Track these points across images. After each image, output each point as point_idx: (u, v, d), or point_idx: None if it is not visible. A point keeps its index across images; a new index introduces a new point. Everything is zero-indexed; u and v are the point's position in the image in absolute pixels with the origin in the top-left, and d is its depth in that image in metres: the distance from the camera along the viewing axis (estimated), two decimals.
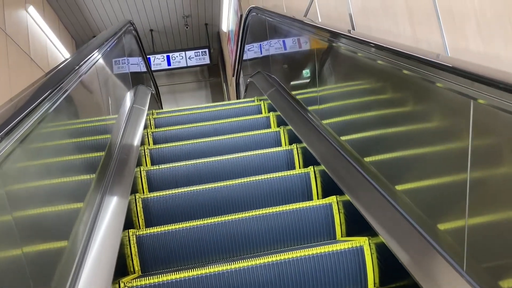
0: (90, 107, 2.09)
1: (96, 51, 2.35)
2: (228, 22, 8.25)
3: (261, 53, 4.02)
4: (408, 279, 1.16)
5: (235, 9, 6.74)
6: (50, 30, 7.49)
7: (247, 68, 5.09)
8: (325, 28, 1.96)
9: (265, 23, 3.56)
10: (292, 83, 2.85)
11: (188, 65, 9.70)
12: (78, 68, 1.85)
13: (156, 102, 4.82)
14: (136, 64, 4.17)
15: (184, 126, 3.02)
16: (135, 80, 3.83)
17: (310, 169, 2.04)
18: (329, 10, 2.57)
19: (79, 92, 1.88)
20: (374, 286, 1.44)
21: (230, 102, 3.89)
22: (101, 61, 2.46)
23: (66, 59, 2.00)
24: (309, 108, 2.38)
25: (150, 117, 3.37)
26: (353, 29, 2.20)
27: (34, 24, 6.86)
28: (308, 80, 2.44)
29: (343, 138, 1.84)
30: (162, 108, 5.27)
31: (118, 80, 3.09)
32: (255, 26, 4.20)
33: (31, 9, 6.67)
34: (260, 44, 4.03)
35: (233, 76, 8.74)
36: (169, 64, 9.58)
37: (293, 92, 2.72)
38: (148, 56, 9.61)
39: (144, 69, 4.68)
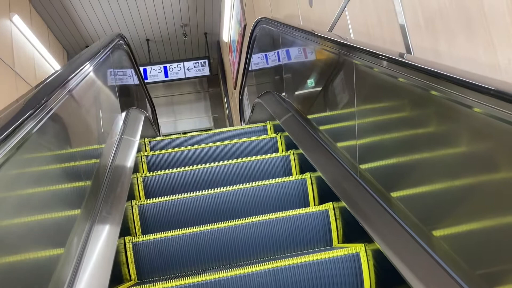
0: (62, 154, 1.55)
1: (73, 74, 1.81)
2: (229, 31, 7.72)
3: (272, 71, 3.48)
4: (405, 286, 1.15)
5: (238, 19, 6.22)
6: (38, 40, 6.95)
7: (252, 85, 4.55)
8: (377, 52, 1.42)
9: (278, 37, 3.03)
10: (317, 113, 2.30)
11: (187, 76, 9.16)
12: (45, 104, 1.34)
13: (152, 125, 4.27)
14: (127, 83, 3.62)
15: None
16: (125, 103, 3.29)
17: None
18: (366, 24, 2.03)
19: (48, 130, 1.39)
20: None
21: (239, 129, 3.33)
22: (80, 86, 1.93)
23: (36, 88, 1.49)
24: (340, 144, 1.84)
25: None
26: (409, 51, 1.65)
27: (19, 35, 6.32)
28: (342, 115, 1.89)
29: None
30: (159, 133, 4.70)
31: (103, 107, 2.54)
32: (264, 39, 3.67)
33: (16, 18, 6.13)
34: (271, 60, 3.50)
35: (234, 89, 8.21)
36: (166, 75, 9.03)
37: (322, 128, 2.17)
38: (143, 68, 9.09)
39: (137, 87, 4.14)
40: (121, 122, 2.85)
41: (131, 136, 2.84)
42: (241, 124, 5.79)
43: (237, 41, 6.80)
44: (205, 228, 1.74)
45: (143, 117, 3.54)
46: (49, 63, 7.49)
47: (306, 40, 2.36)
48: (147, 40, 9.23)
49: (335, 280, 1.46)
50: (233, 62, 7.73)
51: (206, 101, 11.77)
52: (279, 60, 3.14)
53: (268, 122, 3.35)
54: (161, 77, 9.01)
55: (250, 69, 4.54)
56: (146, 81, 9.07)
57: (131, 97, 3.68)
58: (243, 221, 1.77)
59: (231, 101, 9.42)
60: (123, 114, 3.04)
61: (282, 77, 3.07)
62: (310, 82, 2.46)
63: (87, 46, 8.06)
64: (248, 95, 5.00)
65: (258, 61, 4.11)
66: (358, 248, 1.47)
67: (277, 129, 3.16)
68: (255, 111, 4.17)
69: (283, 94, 3.07)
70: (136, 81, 4.13)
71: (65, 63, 8.61)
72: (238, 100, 5.68)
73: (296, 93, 2.78)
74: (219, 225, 1.76)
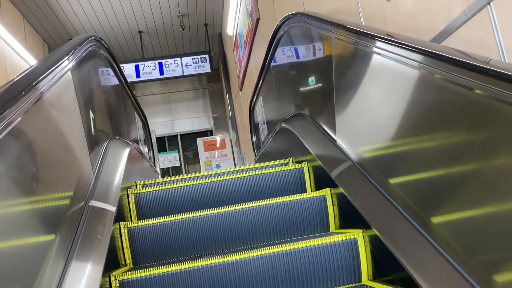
0: None
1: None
2: (235, 24, 6.63)
3: (312, 91, 2.45)
4: (402, 272, 1.17)
5: (249, 10, 5.14)
6: (9, 33, 5.86)
7: (272, 99, 3.52)
8: None
9: (330, 44, 2.00)
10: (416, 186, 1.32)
11: (185, 74, 8.08)
12: None
13: (143, 158, 3.22)
14: (105, 103, 2.58)
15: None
16: (101, 135, 2.26)
17: None
18: None
19: None
20: (368, 278, 1.50)
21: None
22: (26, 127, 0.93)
23: None
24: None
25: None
26: None
27: None
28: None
29: None
30: (154, 163, 3.66)
31: (52, 159, 1.51)
32: (298, 42, 2.63)
33: None
34: (310, 74, 2.46)
35: (240, 90, 7.15)
36: (161, 73, 7.95)
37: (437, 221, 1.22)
38: (135, 64, 7.99)
39: (121, 104, 3.09)
40: (90, 174, 1.82)
41: (105, 200, 1.80)
42: (254, 153, 4.74)
43: (245, 36, 5.73)
44: (204, 213, 1.80)
45: (127, 152, 2.50)
46: (23, 59, 6.41)
47: (402, 58, 1.33)
48: (140, 32, 8.12)
49: (333, 265, 1.50)
50: (239, 59, 6.66)
51: (205, 99, 10.70)
52: (327, 79, 2.11)
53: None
54: (156, 74, 7.93)
55: (269, 77, 3.50)
56: (138, 79, 8.00)
57: (112, 122, 2.64)
58: (244, 206, 1.85)
59: (235, 102, 8.35)
60: (96, 154, 2.01)
61: (333, 105, 2.04)
62: (400, 127, 1.43)
63: (71, 39, 6.98)
64: (264, 108, 3.96)
65: (283, 69, 3.06)
66: (356, 234, 1.52)
67: (319, 176, 2.16)
68: (277, 137, 3.14)
69: (332, 129, 2.04)
70: (121, 95, 3.09)
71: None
72: (249, 110, 4.63)
73: (365, 137, 1.75)
74: (219, 210, 1.85)
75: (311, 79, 2.44)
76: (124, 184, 2.26)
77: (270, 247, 1.49)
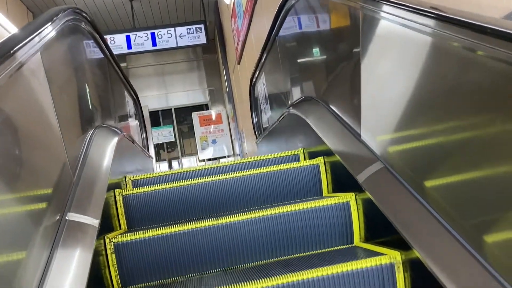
0: None
1: None
2: None
3: (330, 72, 2.09)
4: (394, 234, 1.19)
5: None
6: None
7: (277, 77, 3.16)
8: None
9: (359, 12, 1.64)
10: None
11: (179, 45, 7.65)
12: None
13: (134, 145, 2.88)
14: (91, 87, 2.22)
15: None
16: (83, 123, 1.92)
17: None
18: None
19: None
20: (360, 239, 1.55)
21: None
22: None
23: None
24: None
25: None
26: None
27: None
28: None
29: None
30: (148, 149, 3.28)
31: (23, 157, 1.18)
32: (315, 12, 2.26)
33: None
34: (327, 53, 2.11)
35: (238, 63, 6.75)
36: (154, 44, 7.50)
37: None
38: (126, 34, 7.53)
39: (110, 84, 2.72)
40: (67, 177, 1.48)
41: (85, 212, 1.47)
42: (255, 133, 4.38)
43: (244, 6, 5.30)
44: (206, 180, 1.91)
45: (115, 143, 2.15)
46: (3, 27, 5.94)
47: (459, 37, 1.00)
48: (131, 0, 7.62)
49: (326, 227, 1.56)
50: (238, 31, 6.23)
51: (200, 71, 10.26)
52: (352, 58, 1.76)
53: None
54: (148, 46, 7.49)
55: (275, 52, 3.13)
56: (129, 50, 7.55)
57: (96, 107, 2.28)
58: (241, 174, 1.95)
59: (233, 75, 7.95)
60: (76, 151, 1.68)
61: (359, 91, 1.69)
62: (448, 123, 1.11)
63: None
64: (267, 87, 3.60)
65: (293, 44, 2.70)
66: (349, 197, 1.57)
67: (338, 174, 1.84)
68: (284, 123, 2.81)
69: (356, 121, 1.71)
70: (108, 74, 2.72)
71: None
72: (250, 88, 4.27)
73: (405, 133, 1.42)
74: (221, 177, 1.96)
75: (330, 57, 2.08)
76: (112, 180, 1.94)
77: (264, 209, 1.54)
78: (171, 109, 10.02)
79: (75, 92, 1.90)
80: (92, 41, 2.34)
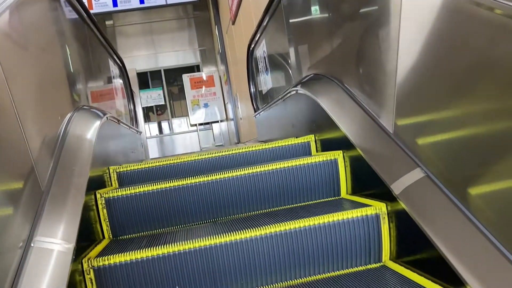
0: None
1: None
2: None
3: (355, 41, 1.73)
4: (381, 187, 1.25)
5: None
6: None
7: (281, 45, 2.78)
8: None
9: None
10: None
11: (168, 2, 7.12)
12: None
13: (121, 129, 2.51)
14: (64, 62, 1.84)
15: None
16: (54, 114, 1.56)
17: None
18: None
19: None
20: (347, 193, 1.64)
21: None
22: None
23: None
24: None
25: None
26: None
27: None
28: None
29: None
30: (136, 122, 2.90)
31: None
32: None
33: None
34: (350, 16, 1.74)
35: (233, 24, 6.28)
36: (141, 1, 6.97)
37: None
38: None
39: (90, 53, 2.33)
40: (34, 187, 1.15)
41: (57, 234, 1.16)
42: (253, 105, 4.01)
43: None
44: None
45: (96, 130, 1.81)
46: None
47: None
48: None
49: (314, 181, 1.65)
50: None
51: (191, 29, 9.71)
52: (383, 27, 1.40)
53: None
54: (135, 3, 6.95)
55: (279, 16, 2.74)
56: (115, 8, 7.01)
57: (73, 85, 1.91)
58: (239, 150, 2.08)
59: (226, 36, 7.47)
60: (47, 149, 1.34)
61: (393, 73, 1.35)
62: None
63: None
64: (268, 55, 3.22)
65: (305, 7, 2.31)
66: (337, 155, 1.65)
67: (360, 172, 1.53)
68: (290, 102, 2.46)
69: (387, 113, 1.38)
70: (87, 42, 2.33)
71: None
72: (247, 54, 3.88)
73: (459, 131, 1.10)
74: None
75: (351, 24, 1.72)
76: (93, 172, 1.62)
77: (255, 166, 1.63)
78: (160, 70, 9.54)
79: (42, 67, 1.53)
80: (64, 2, 1.95)
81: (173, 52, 9.47)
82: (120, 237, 1.57)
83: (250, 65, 3.93)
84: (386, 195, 1.26)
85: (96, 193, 1.50)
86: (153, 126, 9.89)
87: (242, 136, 7.74)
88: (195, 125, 9.27)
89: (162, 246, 1.24)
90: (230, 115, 8.67)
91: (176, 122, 9.78)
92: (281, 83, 2.93)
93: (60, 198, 1.29)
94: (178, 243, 1.25)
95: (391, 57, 1.33)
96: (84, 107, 1.96)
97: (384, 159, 1.40)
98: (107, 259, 1.24)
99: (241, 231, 1.26)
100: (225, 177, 1.60)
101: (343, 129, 1.67)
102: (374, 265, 1.31)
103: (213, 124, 9.35)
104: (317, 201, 1.64)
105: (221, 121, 9.24)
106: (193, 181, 1.58)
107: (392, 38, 1.32)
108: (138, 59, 9.20)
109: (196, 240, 1.24)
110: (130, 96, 3.70)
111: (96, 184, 1.66)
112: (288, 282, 1.29)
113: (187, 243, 1.25)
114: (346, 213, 1.29)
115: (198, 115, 9.15)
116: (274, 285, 1.29)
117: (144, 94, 9.33)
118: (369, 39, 1.51)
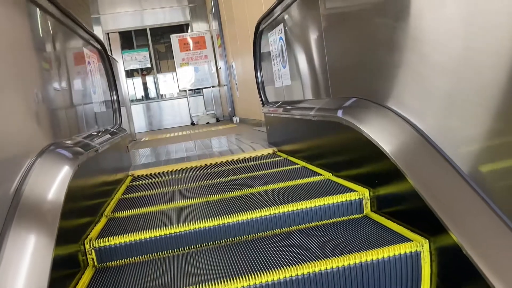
0: None
1: None
2: None
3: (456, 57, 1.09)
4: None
5: None
6: None
7: (308, 42, 2.10)
8: None
9: None
10: None
11: None
12: None
13: (105, 156, 1.83)
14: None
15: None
16: None
17: None
18: None
19: None
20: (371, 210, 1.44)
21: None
22: None
23: None
24: None
25: None
26: None
27: None
28: None
29: None
30: (120, 113, 2.16)
31: None
32: None
33: None
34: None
35: None
36: None
37: None
38: None
39: (46, 51, 1.62)
40: None
41: None
42: (260, 97, 3.31)
43: None
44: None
45: (65, 181, 1.18)
46: None
47: None
48: None
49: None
50: None
51: None
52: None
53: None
54: None
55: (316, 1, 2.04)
56: None
57: (34, 105, 1.25)
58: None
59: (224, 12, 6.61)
60: None
61: None
62: None
63: None
64: (287, 44, 2.53)
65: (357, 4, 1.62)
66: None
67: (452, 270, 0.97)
68: (321, 129, 1.81)
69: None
70: (37, 30, 1.62)
71: None
72: (255, 34, 3.16)
73: None
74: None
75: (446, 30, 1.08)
76: (61, 249, 1.02)
77: None
78: (146, 29, 8.63)
79: None
80: None
81: (160, 9, 8.53)
82: None
83: (258, 48, 3.22)
84: None
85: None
86: (137, 82, 9.07)
87: (237, 110, 7.06)
88: (184, 90, 8.52)
89: None
90: (223, 81, 7.93)
91: (161, 79, 8.96)
92: (305, 86, 2.28)
93: None
94: None
95: None
96: (51, 149, 1.32)
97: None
98: None
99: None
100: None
101: (425, 197, 1.07)
102: None
103: (204, 90, 8.62)
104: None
105: (212, 86, 8.50)
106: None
107: None
108: (122, 17, 8.27)
109: None
110: (112, 84, 3.00)
111: (64, 268, 1.05)
112: None
113: None
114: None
115: (188, 80, 8.38)
116: None
117: (128, 56, 8.48)
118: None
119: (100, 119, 2.41)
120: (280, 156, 2.63)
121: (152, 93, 9.13)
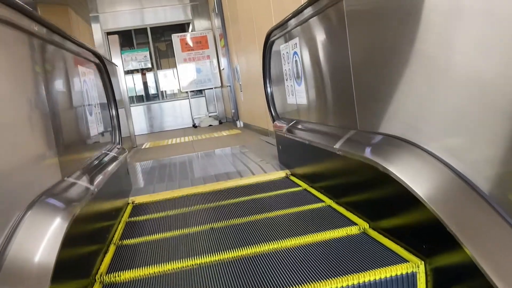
0: None
1: None
2: None
3: None
4: None
5: None
6: None
7: (326, 52, 1.87)
8: None
9: None
10: None
11: None
12: None
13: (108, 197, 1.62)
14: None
15: None
16: None
17: None
18: None
19: None
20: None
21: None
22: None
23: None
24: None
25: None
26: None
27: None
28: None
29: None
30: (119, 131, 1.94)
31: None
32: None
33: None
34: None
35: None
36: None
37: None
38: None
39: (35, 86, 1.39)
40: None
41: None
42: (270, 112, 3.07)
43: None
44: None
45: (59, 237, 0.96)
46: None
47: None
48: None
49: None
50: None
51: None
52: None
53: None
54: None
55: (336, 19, 1.81)
56: None
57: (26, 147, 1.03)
58: None
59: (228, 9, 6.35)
60: None
61: None
62: None
63: None
64: (303, 59, 2.30)
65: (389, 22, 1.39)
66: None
67: None
68: (348, 161, 1.58)
69: None
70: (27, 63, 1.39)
71: None
72: (265, 45, 2.92)
73: None
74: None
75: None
76: None
77: None
78: (146, 28, 8.37)
79: None
80: None
81: (161, 8, 8.27)
82: None
83: (267, 60, 2.98)
84: None
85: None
86: (138, 83, 8.81)
87: (241, 114, 6.83)
88: (186, 92, 8.28)
89: None
90: (226, 82, 7.69)
91: (161, 76, 8.70)
92: (325, 110, 2.05)
93: None
94: None
95: None
96: (42, 199, 1.12)
97: None
98: None
99: None
100: None
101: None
102: None
103: (207, 91, 8.38)
104: None
105: (215, 87, 8.26)
106: None
107: None
108: (122, 15, 8.02)
109: None
110: (111, 99, 2.77)
111: None
112: None
113: None
114: None
115: (190, 82, 8.14)
116: None
117: (128, 56, 8.24)
118: None
119: (96, 143, 2.19)
120: (296, 184, 2.40)
121: (153, 89, 8.86)
